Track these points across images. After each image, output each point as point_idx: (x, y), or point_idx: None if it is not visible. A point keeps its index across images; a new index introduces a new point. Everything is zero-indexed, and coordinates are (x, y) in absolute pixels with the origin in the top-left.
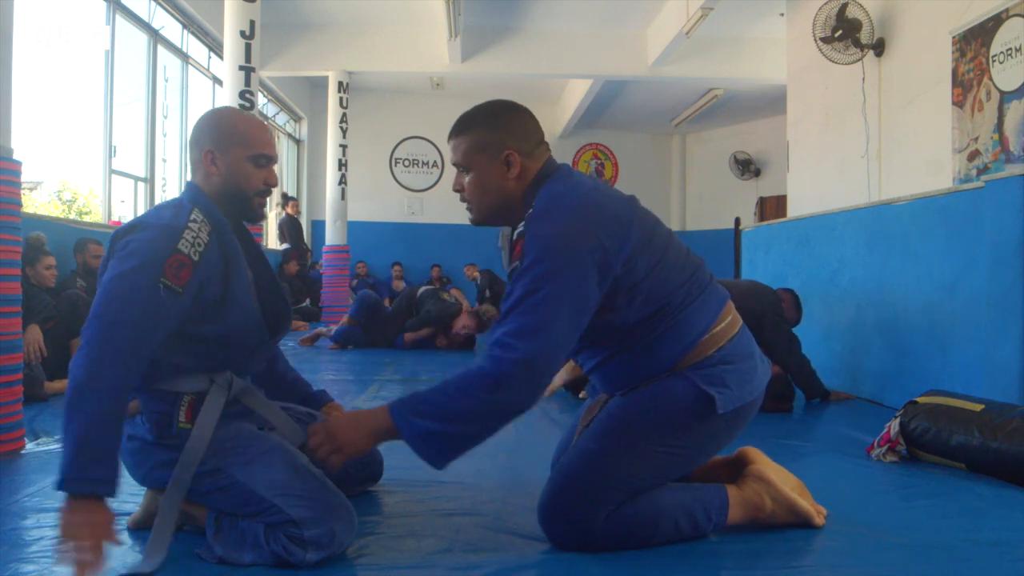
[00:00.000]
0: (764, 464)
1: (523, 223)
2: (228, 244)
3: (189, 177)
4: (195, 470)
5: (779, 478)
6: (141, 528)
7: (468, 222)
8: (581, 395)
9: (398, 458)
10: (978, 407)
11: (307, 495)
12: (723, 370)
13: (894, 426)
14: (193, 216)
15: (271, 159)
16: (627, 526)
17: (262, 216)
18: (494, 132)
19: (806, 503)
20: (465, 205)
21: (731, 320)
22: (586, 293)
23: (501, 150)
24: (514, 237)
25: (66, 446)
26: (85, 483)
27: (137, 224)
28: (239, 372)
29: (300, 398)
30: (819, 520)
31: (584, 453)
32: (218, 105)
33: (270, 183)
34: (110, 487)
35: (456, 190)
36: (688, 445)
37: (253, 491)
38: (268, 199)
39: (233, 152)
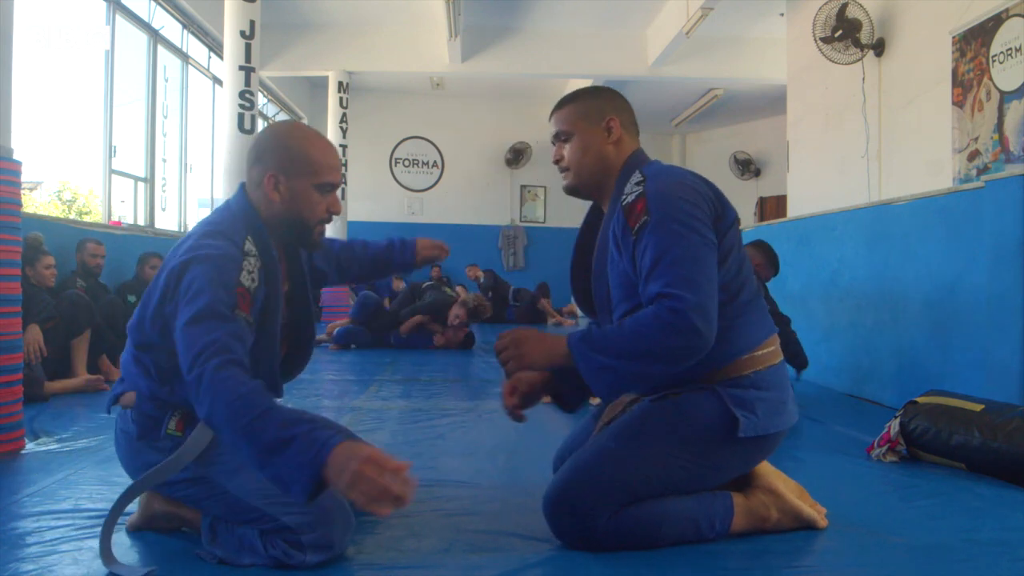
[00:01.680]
0: (770, 474)
1: (634, 186)
2: (272, 275)
3: (241, 186)
4: (175, 475)
5: (785, 487)
6: (140, 530)
7: (562, 190)
8: (594, 401)
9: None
10: (978, 407)
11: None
12: (754, 395)
13: (894, 426)
14: (247, 248)
15: (336, 186)
16: (630, 528)
17: (320, 245)
18: (596, 100)
19: (810, 509)
20: (562, 175)
21: (774, 351)
22: (712, 246)
23: (603, 116)
24: (625, 202)
25: (277, 470)
26: (314, 467)
27: (192, 259)
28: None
29: (391, 263)
30: (823, 523)
31: (601, 450)
32: (281, 120)
33: (333, 211)
34: (331, 441)
35: (555, 161)
36: (705, 464)
37: (244, 500)
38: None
39: (300, 180)
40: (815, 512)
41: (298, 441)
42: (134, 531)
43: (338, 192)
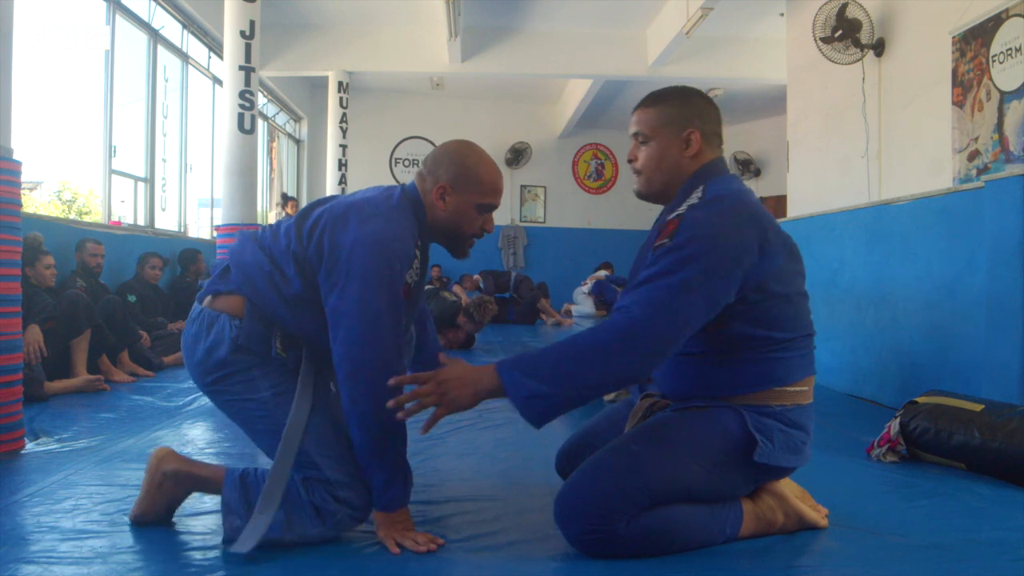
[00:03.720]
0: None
1: (682, 207)
2: (419, 276)
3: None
4: (244, 389)
5: (790, 491)
6: (139, 524)
7: (632, 193)
8: (608, 398)
9: None
10: (978, 407)
11: (343, 458)
12: (775, 426)
13: (894, 426)
14: (416, 252)
15: (495, 207)
16: (646, 534)
17: (467, 256)
18: (683, 108)
19: (812, 512)
20: (635, 176)
21: (806, 391)
22: (724, 286)
23: (685, 127)
24: (668, 217)
25: (372, 477)
26: (402, 500)
27: (380, 243)
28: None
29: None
30: (824, 523)
31: (625, 453)
32: (453, 141)
33: (487, 229)
34: (407, 500)
35: (629, 160)
36: (722, 478)
37: (294, 443)
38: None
39: (466, 195)
40: (817, 515)
41: (395, 482)
42: (136, 523)
43: (493, 214)
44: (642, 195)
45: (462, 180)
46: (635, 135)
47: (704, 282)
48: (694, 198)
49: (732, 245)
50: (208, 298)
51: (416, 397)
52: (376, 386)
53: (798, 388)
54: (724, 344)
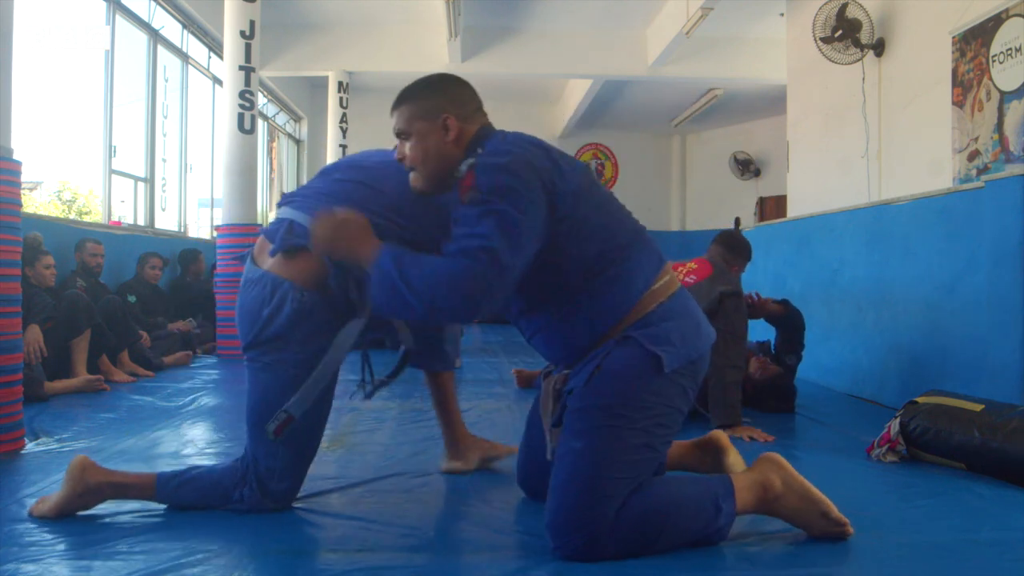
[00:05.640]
0: (774, 457)
1: (472, 159)
2: None
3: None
4: (261, 328)
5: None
6: (56, 516)
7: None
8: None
9: (397, 457)
10: (978, 407)
11: (293, 468)
12: (666, 328)
13: (894, 426)
14: None
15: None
16: (638, 524)
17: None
18: (431, 99)
19: (817, 491)
20: (411, 176)
21: (670, 279)
22: (536, 216)
23: (439, 115)
24: (463, 170)
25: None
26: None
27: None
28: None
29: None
30: (836, 512)
31: (574, 457)
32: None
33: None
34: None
35: (399, 159)
36: (661, 412)
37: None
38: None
39: None
40: (825, 498)
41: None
42: (53, 516)
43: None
44: (423, 191)
45: None
46: (398, 135)
47: (518, 215)
48: (473, 157)
49: (530, 176)
50: (277, 257)
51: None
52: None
53: (661, 281)
54: (575, 286)
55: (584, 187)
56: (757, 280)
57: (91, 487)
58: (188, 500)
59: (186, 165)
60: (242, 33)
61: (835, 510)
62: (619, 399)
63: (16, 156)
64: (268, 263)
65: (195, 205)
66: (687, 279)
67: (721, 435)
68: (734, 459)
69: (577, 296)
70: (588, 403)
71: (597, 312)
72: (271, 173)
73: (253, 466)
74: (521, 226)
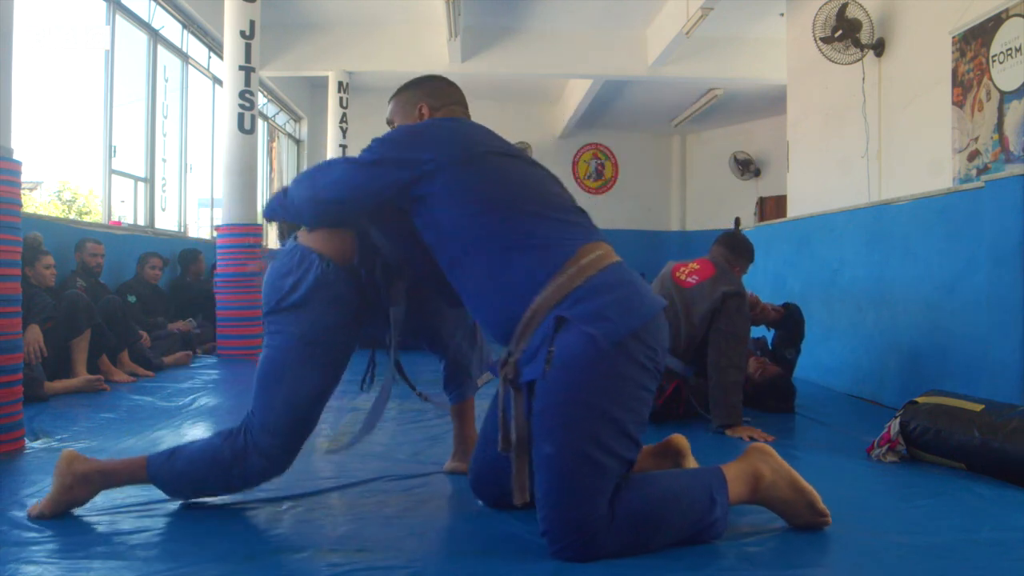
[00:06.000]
0: (766, 449)
1: None
2: None
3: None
4: (284, 315)
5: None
6: (52, 514)
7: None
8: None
9: (397, 457)
10: (978, 407)
11: (285, 427)
12: (600, 302)
13: (894, 426)
14: None
15: None
16: (635, 520)
17: None
18: (412, 91)
19: (805, 482)
20: None
21: (603, 253)
22: (378, 171)
23: (416, 104)
24: None
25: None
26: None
27: None
28: None
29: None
30: (821, 504)
31: (548, 462)
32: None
33: None
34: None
35: None
36: (622, 391)
37: (279, 387)
38: None
39: None
40: (814, 490)
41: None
42: (48, 514)
43: None
44: None
45: None
46: (388, 123)
47: (357, 163)
48: None
49: (407, 131)
50: (314, 233)
51: None
52: None
53: (592, 255)
54: (473, 240)
55: (497, 165)
56: (757, 280)
57: (79, 477)
58: (180, 469)
59: (186, 165)
60: (242, 33)
61: (820, 501)
62: (574, 391)
63: (16, 156)
64: (303, 237)
65: (195, 205)
66: (689, 279)
67: (681, 439)
68: (692, 464)
69: (492, 267)
70: (547, 402)
71: (517, 276)
72: (271, 173)
73: (249, 418)
74: (347, 168)
